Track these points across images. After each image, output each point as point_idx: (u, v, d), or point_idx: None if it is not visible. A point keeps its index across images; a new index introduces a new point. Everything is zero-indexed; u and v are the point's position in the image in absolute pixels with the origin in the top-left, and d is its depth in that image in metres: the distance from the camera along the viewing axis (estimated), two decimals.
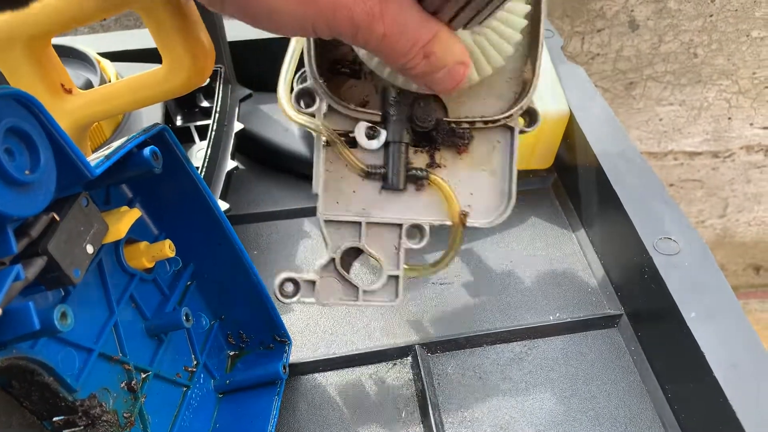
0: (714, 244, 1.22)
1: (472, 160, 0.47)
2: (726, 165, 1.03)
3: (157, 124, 0.43)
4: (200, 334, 0.50)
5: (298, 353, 0.55)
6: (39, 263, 0.32)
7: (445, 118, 0.45)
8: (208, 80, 0.65)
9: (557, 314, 0.57)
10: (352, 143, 0.45)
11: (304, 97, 0.44)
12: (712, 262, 0.50)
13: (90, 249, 0.36)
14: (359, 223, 0.46)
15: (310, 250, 0.64)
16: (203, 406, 0.48)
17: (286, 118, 0.66)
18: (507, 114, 0.45)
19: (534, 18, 0.43)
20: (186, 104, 0.66)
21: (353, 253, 0.47)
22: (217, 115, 0.61)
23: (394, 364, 0.54)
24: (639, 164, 0.58)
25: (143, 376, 0.42)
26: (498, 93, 0.46)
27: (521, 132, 0.46)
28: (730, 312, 0.47)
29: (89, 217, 0.36)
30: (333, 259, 0.46)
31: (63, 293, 0.37)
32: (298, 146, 0.67)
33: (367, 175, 0.45)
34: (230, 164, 0.60)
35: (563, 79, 0.66)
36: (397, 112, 0.44)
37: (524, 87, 0.45)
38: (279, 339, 0.52)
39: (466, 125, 0.45)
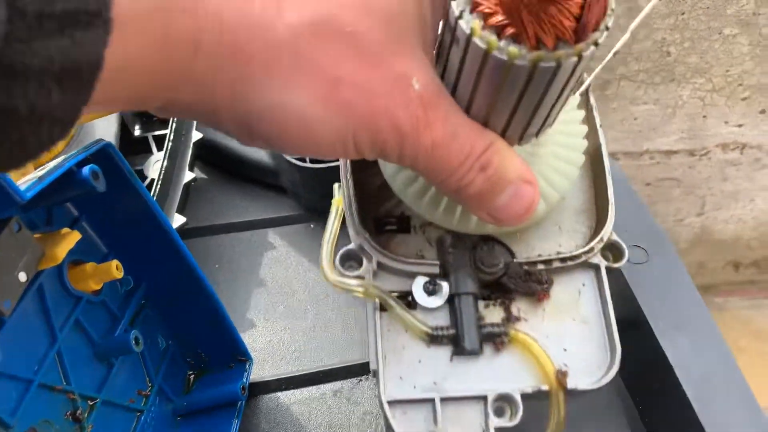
0: (692, 242, 1.21)
1: (556, 308, 0.39)
2: (702, 163, 1.02)
3: (100, 140, 0.41)
4: (155, 355, 0.48)
5: (260, 371, 0.53)
6: None
7: (515, 260, 0.39)
8: None
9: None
10: (410, 304, 0.38)
11: (349, 261, 0.38)
12: (682, 269, 0.49)
13: (23, 277, 0.35)
14: (432, 401, 0.36)
15: (274, 262, 0.62)
16: (159, 430, 0.47)
17: None
18: (587, 248, 0.39)
19: (594, 141, 0.40)
20: (144, 114, 0.64)
21: None
22: (174, 124, 0.59)
23: (359, 380, 0.53)
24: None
25: (90, 404, 0.41)
26: (570, 229, 0.41)
27: (608, 270, 0.39)
28: (699, 323, 0.46)
29: (21, 243, 0.34)
30: None
31: None
32: (261, 155, 0.66)
33: (432, 339, 0.36)
34: (188, 176, 0.58)
35: None
36: (457, 259, 0.38)
37: (599, 218, 0.40)
38: (239, 358, 0.51)
39: (541, 266, 0.38)
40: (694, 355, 0.44)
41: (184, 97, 0.26)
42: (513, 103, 0.29)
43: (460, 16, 0.26)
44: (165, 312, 0.49)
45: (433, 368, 0.36)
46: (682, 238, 1.18)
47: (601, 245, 0.39)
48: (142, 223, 0.45)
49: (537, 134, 0.32)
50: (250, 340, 0.55)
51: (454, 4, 0.27)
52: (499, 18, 0.26)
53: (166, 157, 0.57)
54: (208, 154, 0.67)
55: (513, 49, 0.26)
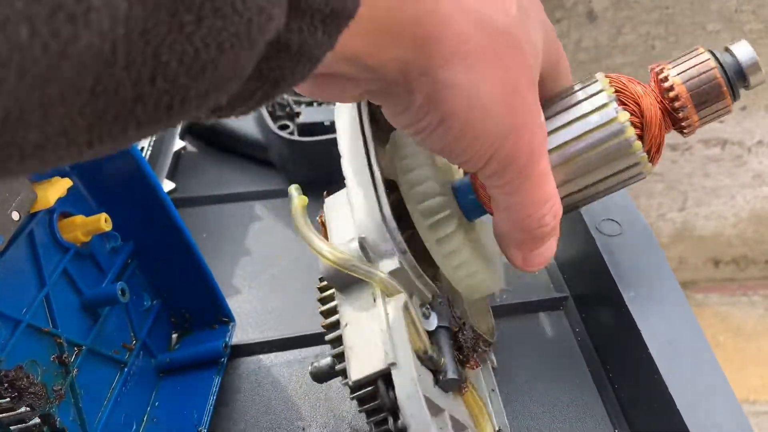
0: (674, 237, 1.23)
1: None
2: (685, 158, 1.04)
3: None
4: (140, 312, 0.49)
5: (243, 335, 0.55)
6: None
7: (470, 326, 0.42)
8: None
9: (504, 296, 0.57)
10: None
11: (364, 250, 0.38)
12: (654, 242, 0.50)
13: (15, 216, 0.36)
14: (443, 412, 0.36)
15: (260, 233, 0.63)
16: (142, 384, 0.48)
17: None
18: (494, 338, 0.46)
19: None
20: None
21: None
22: None
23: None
24: None
25: (76, 350, 0.42)
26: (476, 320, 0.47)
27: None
28: (668, 292, 0.47)
29: (16, 184, 0.36)
30: None
31: None
32: (250, 129, 0.67)
33: (424, 361, 0.37)
34: (178, 144, 0.59)
35: None
36: (442, 297, 0.41)
37: None
38: (222, 319, 0.52)
39: (480, 339, 0.43)
40: (663, 322, 0.45)
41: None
42: (590, 181, 0.39)
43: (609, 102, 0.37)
44: (151, 271, 0.50)
45: (426, 384, 0.36)
46: (664, 233, 1.20)
47: None
48: (132, 182, 0.46)
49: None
50: (235, 305, 0.56)
51: (605, 95, 0.37)
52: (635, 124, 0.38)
53: None
54: (198, 127, 0.69)
55: (638, 143, 0.37)
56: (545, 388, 0.51)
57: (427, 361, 0.37)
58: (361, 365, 0.34)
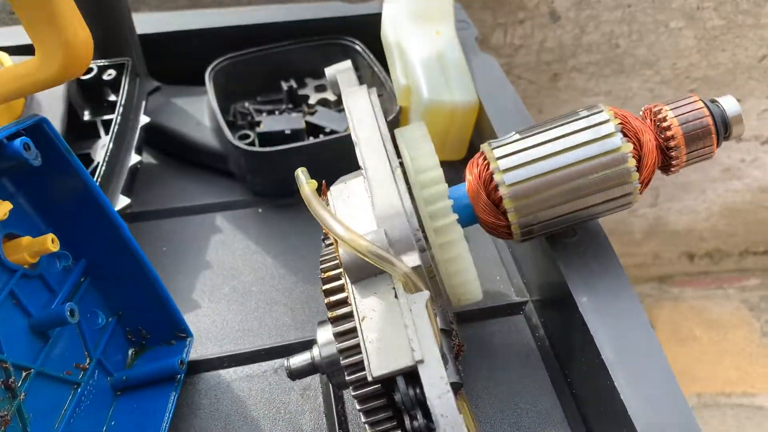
0: (647, 233, 1.24)
1: None
2: None
3: (36, 115, 0.42)
4: (95, 330, 0.49)
5: (203, 349, 0.54)
6: None
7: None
8: (113, 72, 0.64)
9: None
10: None
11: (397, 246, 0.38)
12: (608, 248, 0.51)
13: None
14: None
15: (221, 245, 0.63)
16: (97, 404, 0.47)
17: (199, 110, 0.65)
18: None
19: None
20: (93, 99, 0.65)
21: None
22: (121, 108, 0.60)
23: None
24: None
25: (24, 374, 0.41)
26: None
27: None
28: (621, 297, 0.47)
29: None
30: None
31: None
32: (209, 139, 0.67)
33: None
34: (134, 158, 0.59)
35: (475, 69, 0.66)
36: (442, 302, 0.43)
37: None
38: (180, 335, 0.52)
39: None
40: (615, 328, 0.46)
41: None
42: (584, 204, 0.43)
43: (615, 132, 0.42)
44: (105, 289, 0.50)
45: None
46: (637, 228, 1.20)
47: None
48: (81, 201, 0.46)
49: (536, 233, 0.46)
50: (194, 320, 0.56)
51: (612, 125, 0.42)
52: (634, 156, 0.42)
53: (112, 140, 0.58)
54: (156, 139, 0.68)
55: (636, 174, 0.42)
56: (505, 391, 0.51)
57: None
58: (383, 361, 0.33)
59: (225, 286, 0.59)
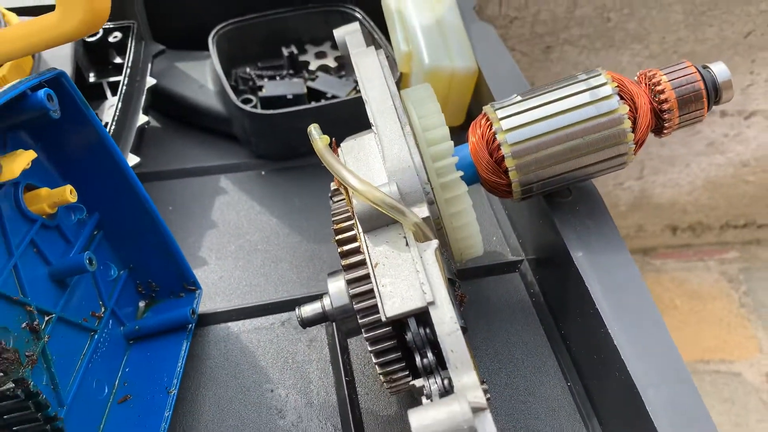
0: (632, 205, 1.27)
1: None
2: None
3: (55, 69, 0.43)
4: (108, 282, 0.50)
5: (211, 304, 0.56)
6: None
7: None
8: (119, 35, 0.65)
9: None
10: None
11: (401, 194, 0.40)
12: (602, 206, 0.53)
13: None
14: None
15: (225, 206, 0.64)
16: (112, 351, 0.49)
17: (202, 74, 0.66)
18: None
19: None
20: (99, 61, 0.66)
21: None
22: (128, 70, 0.61)
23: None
24: None
25: (46, 318, 0.43)
26: None
27: None
28: (614, 252, 0.50)
29: None
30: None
31: None
32: (213, 103, 0.68)
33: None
34: (142, 119, 0.60)
35: (473, 37, 0.68)
36: (446, 252, 0.45)
37: None
38: (188, 287, 0.54)
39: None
40: (609, 280, 0.48)
41: None
42: (580, 164, 0.45)
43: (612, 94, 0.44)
44: (117, 242, 0.51)
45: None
46: (622, 201, 1.23)
47: None
48: (96, 155, 0.47)
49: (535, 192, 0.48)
50: (202, 276, 0.58)
51: (609, 87, 0.44)
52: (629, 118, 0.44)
53: (120, 100, 0.59)
54: (161, 102, 0.69)
55: (631, 134, 0.44)
56: (502, 344, 0.54)
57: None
58: (395, 303, 0.35)
59: (231, 245, 0.61)
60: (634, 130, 0.46)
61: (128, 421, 0.46)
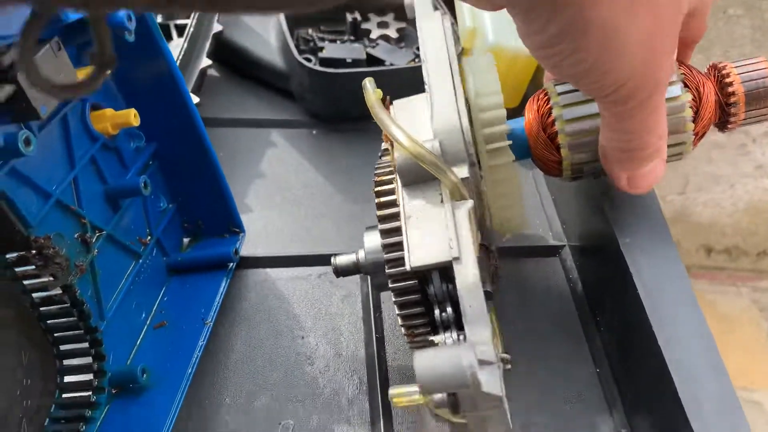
0: (671, 220, 1.25)
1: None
2: None
3: None
4: (157, 212, 0.51)
5: (252, 249, 0.57)
6: (7, 90, 0.34)
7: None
8: None
9: (504, 240, 0.59)
10: None
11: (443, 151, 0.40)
12: (652, 193, 0.53)
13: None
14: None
15: (275, 159, 0.65)
16: (154, 278, 0.50)
17: (265, 30, 0.67)
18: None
19: None
20: None
21: None
22: (197, 13, 0.62)
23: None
24: None
25: (97, 233, 0.44)
26: None
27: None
28: (661, 241, 0.49)
29: (59, 63, 0.37)
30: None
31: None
32: (274, 57, 0.69)
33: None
34: (205, 62, 0.61)
35: None
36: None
37: None
38: (233, 229, 0.54)
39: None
40: (653, 270, 0.48)
41: None
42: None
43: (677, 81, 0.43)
44: (170, 174, 0.52)
45: None
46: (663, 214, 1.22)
47: None
48: (161, 85, 0.48)
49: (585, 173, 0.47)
50: (246, 221, 0.58)
51: (675, 74, 0.43)
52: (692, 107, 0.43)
53: (187, 40, 0.60)
54: (223, 52, 0.70)
55: (691, 124, 0.43)
56: (535, 326, 0.53)
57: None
58: (421, 255, 0.36)
59: (277, 196, 0.62)
60: (695, 120, 0.45)
61: (162, 346, 0.47)
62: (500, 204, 0.46)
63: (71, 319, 0.41)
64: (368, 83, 0.43)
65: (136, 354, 0.47)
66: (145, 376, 0.44)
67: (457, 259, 0.34)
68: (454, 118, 0.41)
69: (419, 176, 0.39)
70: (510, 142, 0.44)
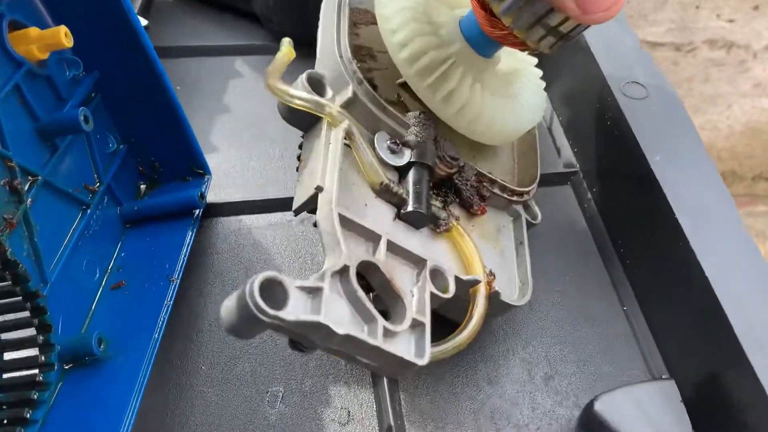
0: None
1: (481, 231, 0.41)
2: (687, 60, 0.99)
3: None
4: (105, 155, 0.43)
5: (222, 194, 0.49)
6: None
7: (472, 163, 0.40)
8: None
9: None
10: None
11: (315, 83, 0.36)
12: (681, 108, 0.46)
13: None
14: (378, 239, 0.34)
15: (241, 90, 0.57)
16: (106, 232, 0.43)
17: None
18: (527, 189, 0.43)
19: None
20: None
21: (364, 277, 0.33)
22: None
23: None
24: None
25: (31, 179, 0.36)
26: (522, 168, 0.46)
27: (529, 226, 0.44)
28: (696, 157, 0.43)
29: None
30: (346, 269, 0.30)
31: None
32: None
33: (383, 191, 0.36)
34: None
35: None
36: (424, 132, 0.38)
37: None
38: (197, 170, 0.47)
39: (486, 183, 0.41)
40: (690, 187, 0.41)
41: None
42: None
43: None
44: (118, 109, 0.44)
45: (377, 218, 0.35)
46: None
47: (533, 193, 0.44)
48: (100, 3, 0.40)
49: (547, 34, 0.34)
50: (212, 163, 0.50)
51: None
52: None
53: None
54: None
55: None
56: (549, 264, 0.47)
57: (383, 193, 0.36)
58: (301, 193, 0.35)
59: (245, 133, 0.54)
60: None
61: (121, 310, 0.40)
62: (474, 129, 0.40)
63: (4, 283, 0.34)
64: (286, 41, 0.38)
65: (90, 321, 0.39)
66: (102, 346, 0.36)
67: (320, 188, 0.33)
68: (332, 43, 0.38)
69: (307, 119, 0.36)
70: (450, 62, 0.38)
